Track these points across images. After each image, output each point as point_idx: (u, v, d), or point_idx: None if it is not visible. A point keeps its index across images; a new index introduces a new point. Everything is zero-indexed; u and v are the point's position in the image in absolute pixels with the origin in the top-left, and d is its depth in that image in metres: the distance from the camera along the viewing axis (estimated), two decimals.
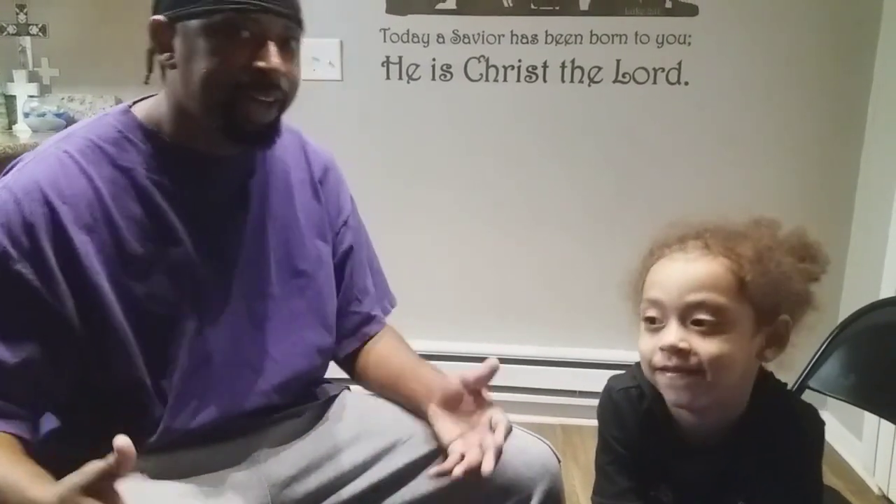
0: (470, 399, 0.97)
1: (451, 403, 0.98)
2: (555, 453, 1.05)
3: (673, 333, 0.85)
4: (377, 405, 1.12)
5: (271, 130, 0.97)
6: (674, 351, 0.85)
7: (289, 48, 0.94)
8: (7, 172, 0.94)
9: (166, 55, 0.94)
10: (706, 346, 0.84)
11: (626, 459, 0.94)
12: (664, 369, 0.86)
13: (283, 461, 1.03)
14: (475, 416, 0.96)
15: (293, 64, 0.96)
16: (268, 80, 0.91)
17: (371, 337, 1.18)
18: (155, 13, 0.94)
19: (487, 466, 0.87)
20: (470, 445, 0.90)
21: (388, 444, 1.04)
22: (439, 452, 1.02)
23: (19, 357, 0.88)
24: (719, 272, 0.86)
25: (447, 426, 0.97)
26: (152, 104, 0.99)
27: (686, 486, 0.92)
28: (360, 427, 1.08)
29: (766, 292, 0.86)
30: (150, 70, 0.98)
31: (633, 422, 0.94)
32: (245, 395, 1.01)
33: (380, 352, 1.16)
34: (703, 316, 0.84)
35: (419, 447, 1.03)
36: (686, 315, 0.85)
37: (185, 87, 0.93)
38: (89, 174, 0.92)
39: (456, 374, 0.97)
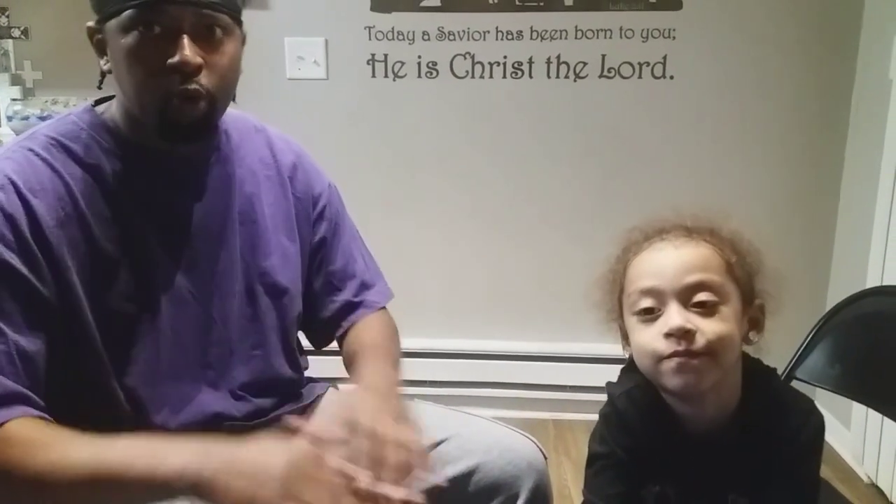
0: None
1: None
2: (541, 450, 1.05)
3: (677, 316, 0.84)
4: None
5: (203, 125, 0.94)
6: (681, 334, 0.83)
7: (213, 36, 0.90)
8: None
9: (104, 59, 0.94)
10: (711, 326, 0.84)
11: (627, 464, 0.92)
12: (673, 355, 0.84)
13: None
14: None
15: (219, 53, 0.91)
16: (184, 75, 0.88)
17: (355, 324, 1.15)
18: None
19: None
20: None
21: None
22: (431, 451, 1.01)
23: (38, 346, 0.88)
24: (708, 253, 0.87)
25: None
26: (112, 102, 1.00)
27: (690, 483, 0.91)
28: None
29: (747, 272, 0.88)
30: (102, 74, 0.98)
31: (639, 423, 0.92)
32: (214, 395, 1.00)
33: (354, 350, 1.12)
34: (704, 296, 0.84)
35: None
36: (686, 297, 0.85)
37: (121, 91, 0.94)
38: (57, 170, 0.92)
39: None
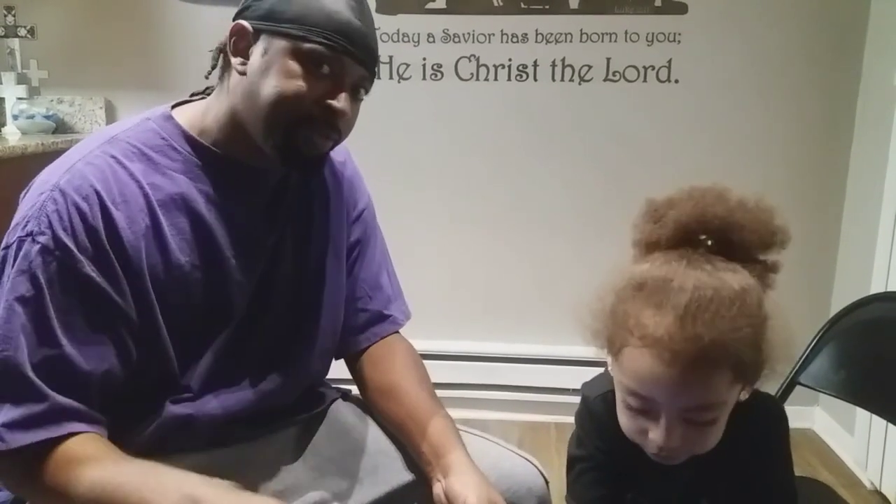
0: None
1: None
2: (541, 473, 1.04)
3: (665, 435, 0.79)
4: (365, 422, 1.11)
5: (321, 162, 0.99)
6: (667, 449, 0.80)
7: (358, 94, 0.97)
8: (47, 171, 0.92)
9: (240, 60, 0.94)
10: (700, 440, 0.80)
11: (606, 466, 0.91)
12: (656, 455, 0.82)
13: (265, 486, 1.01)
14: None
15: (356, 106, 0.98)
16: (333, 121, 0.93)
17: (382, 338, 1.14)
18: (241, 16, 0.94)
19: None
20: None
21: (373, 466, 1.04)
22: (422, 482, 1.00)
23: (96, 362, 0.87)
24: (719, 379, 0.78)
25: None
26: (196, 110, 0.98)
27: (663, 489, 0.91)
28: (347, 445, 1.07)
29: (761, 359, 0.81)
30: (213, 67, 0.99)
31: (613, 427, 0.88)
32: (259, 396, 1.01)
33: (392, 380, 1.08)
34: (700, 417, 0.79)
35: (405, 472, 1.03)
36: (681, 416, 0.79)
37: (250, 98, 0.92)
38: (138, 180, 0.92)
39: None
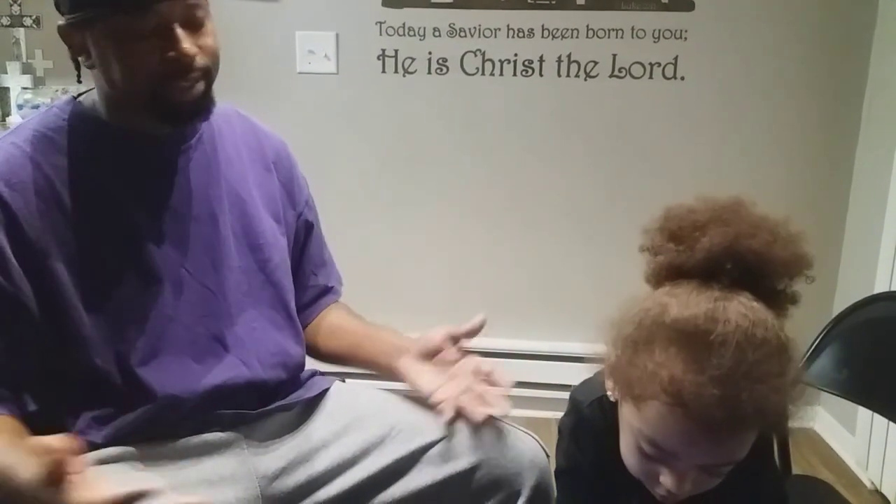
0: (453, 350, 1.07)
1: (430, 355, 1.07)
2: (543, 447, 1.06)
3: (678, 484, 0.76)
4: (368, 397, 1.13)
5: (203, 103, 0.98)
6: (677, 495, 0.78)
7: (196, 20, 0.93)
8: None
9: (83, 57, 0.95)
10: (710, 482, 0.78)
11: (596, 479, 0.89)
12: (663, 497, 0.80)
13: (273, 453, 1.04)
14: (454, 364, 1.05)
15: (204, 34, 0.94)
16: (184, 67, 0.92)
17: (327, 307, 1.24)
18: (61, 15, 0.94)
19: (502, 409, 1.00)
20: (461, 393, 1.01)
21: (377, 437, 1.05)
22: (429, 447, 1.03)
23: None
24: (749, 437, 0.76)
25: (426, 377, 1.05)
26: (94, 92, 1.01)
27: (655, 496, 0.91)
28: (349, 419, 1.08)
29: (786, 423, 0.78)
30: (78, 69, 0.99)
31: (609, 434, 0.85)
32: (212, 369, 1.01)
33: (332, 321, 1.22)
34: (719, 471, 0.78)
35: (408, 442, 1.04)
36: (698, 467, 0.77)
37: (110, 85, 0.95)
38: (37, 162, 0.94)
39: (438, 330, 1.08)
